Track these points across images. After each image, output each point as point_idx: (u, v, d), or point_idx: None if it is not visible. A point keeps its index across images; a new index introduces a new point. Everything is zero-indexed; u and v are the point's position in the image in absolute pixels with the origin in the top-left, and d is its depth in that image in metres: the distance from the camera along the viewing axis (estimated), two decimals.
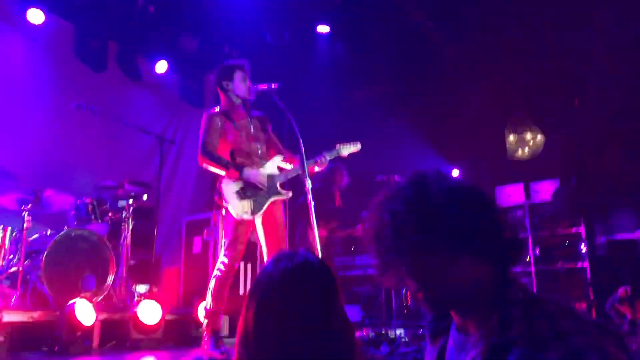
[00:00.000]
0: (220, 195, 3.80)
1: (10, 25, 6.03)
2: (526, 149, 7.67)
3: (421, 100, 7.50)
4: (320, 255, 1.73)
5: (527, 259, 6.59)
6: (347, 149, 4.21)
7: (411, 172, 1.17)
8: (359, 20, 7.19)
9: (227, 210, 3.81)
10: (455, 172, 7.69)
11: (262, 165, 3.96)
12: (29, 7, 5.91)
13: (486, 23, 6.85)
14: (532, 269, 6.53)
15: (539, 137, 7.70)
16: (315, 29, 7.57)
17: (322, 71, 7.66)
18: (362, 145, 4.30)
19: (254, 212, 3.79)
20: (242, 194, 3.79)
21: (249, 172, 3.80)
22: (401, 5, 6.95)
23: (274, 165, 4.03)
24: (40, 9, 5.98)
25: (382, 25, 7.15)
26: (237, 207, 3.76)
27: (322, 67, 7.68)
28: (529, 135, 7.74)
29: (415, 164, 6.65)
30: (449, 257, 1.06)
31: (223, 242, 3.91)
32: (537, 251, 6.58)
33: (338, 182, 5.98)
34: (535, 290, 6.38)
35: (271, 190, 3.89)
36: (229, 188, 3.79)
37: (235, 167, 3.81)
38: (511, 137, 7.77)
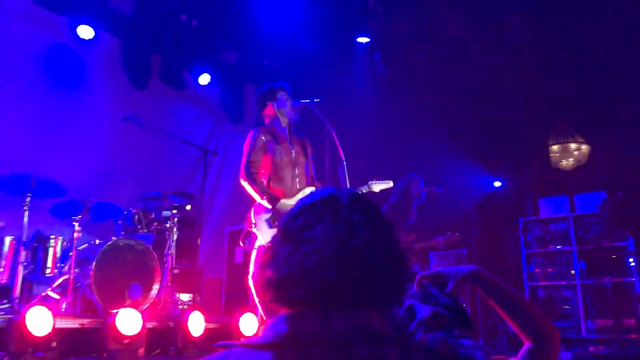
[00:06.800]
0: (250, 222, 3.92)
1: (61, 40, 6.27)
2: (571, 160, 7.49)
3: (462, 111, 7.41)
4: None
5: (572, 272, 6.43)
6: (379, 186, 4.24)
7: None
8: (399, 31, 7.19)
9: (256, 237, 3.92)
10: (497, 184, 7.56)
11: (293, 196, 4.00)
12: (79, 24, 6.14)
13: (527, 31, 6.75)
14: (577, 282, 6.35)
15: (584, 147, 7.51)
16: (355, 39, 7.58)
17: (361, 82, 7.67)
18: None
19: None
20: (271, 223, 3.86)
21: (282, 205, 3.85)
22: (441, 15, 6.92)
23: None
24: (90, 26, 6.20)
25: (422, 35, 7.13)
26: (265, 234, 3.85)
27: (362, 78, 7.69)
28: (573, 145, 7.55)
29: (456, 176, 6.57)
30: None
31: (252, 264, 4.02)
32: (583, 265, 6.40)
33: (414, 194, 5.84)
34: (580, 304, 6.22)
35: None
36: (260, 216, 3.88)
37: (270, 197, 3.88)
38: (555, 147, 7.60)
